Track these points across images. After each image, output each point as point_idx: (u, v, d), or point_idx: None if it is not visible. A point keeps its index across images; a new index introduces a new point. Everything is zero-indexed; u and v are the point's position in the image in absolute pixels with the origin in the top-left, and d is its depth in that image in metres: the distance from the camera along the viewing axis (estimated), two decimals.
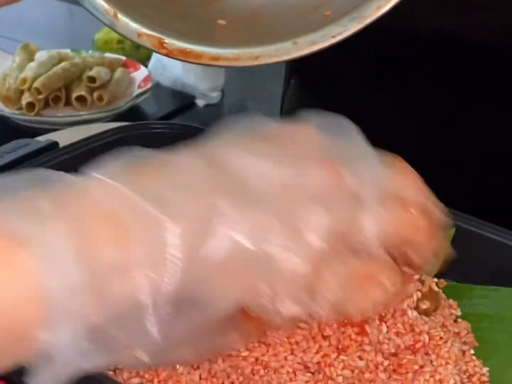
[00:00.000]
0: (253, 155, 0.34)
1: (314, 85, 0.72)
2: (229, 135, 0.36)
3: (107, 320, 0.30)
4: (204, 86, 0.98)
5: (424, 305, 0.44)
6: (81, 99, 0.91)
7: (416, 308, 0.44)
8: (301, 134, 0.37)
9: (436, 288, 0.46)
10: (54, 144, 0.55)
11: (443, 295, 0.47)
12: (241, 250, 0.32)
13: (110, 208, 0.31)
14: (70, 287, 0.29)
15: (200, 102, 1.00)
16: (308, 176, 0.34)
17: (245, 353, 0.39)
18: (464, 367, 0.43)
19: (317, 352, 0.39)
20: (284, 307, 0.33)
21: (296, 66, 0.72)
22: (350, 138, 0.38)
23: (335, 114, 0.38)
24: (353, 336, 0.40)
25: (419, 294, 0.44)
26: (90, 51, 1.03)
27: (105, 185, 0.32)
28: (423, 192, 0.38)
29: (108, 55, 1.02)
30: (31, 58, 0.95)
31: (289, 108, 0.75)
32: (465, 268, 0.49)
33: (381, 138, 0.71)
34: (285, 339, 0.39)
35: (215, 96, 1.00)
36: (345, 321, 0.40)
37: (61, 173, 0.33)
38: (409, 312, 0.43)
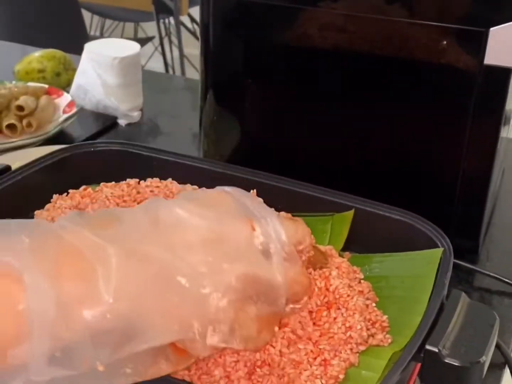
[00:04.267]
0: (185, 211, 0.43)
1: (228, 99, 0.80)
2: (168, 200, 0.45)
3: (73, 337, 0.37)
4: (125, 107, 1.04)
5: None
6: (11, 127, 0.97)
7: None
8: (218, 197, 0.46)
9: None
10: (8, 168, 0.61)
11: (334, 254, 0.57)
12: (182, 291, 0.39)
13: (77, 248, 0.38)
14: (44, 312, 0.35)
15: (122, 122, 1.05)
16: (231, 229, 0.43)
17: None
18: (368, 316, 0.52)
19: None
20: (209, 340, 0.41)
21: (212, 82, 0.80)
22: (254, 201, 0.47)
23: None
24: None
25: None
26: (14, 82, 1.08)
27: (74, 230, 0.39)
28: (310, 237, 0.48)
29: (31, 84, 1.07)
30: None
31: (207, 121, 0.83)
32: (364, 241, 0.59)
33: (291, 147, 0.82)
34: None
35: (136, 115, 1.05)
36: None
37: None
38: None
